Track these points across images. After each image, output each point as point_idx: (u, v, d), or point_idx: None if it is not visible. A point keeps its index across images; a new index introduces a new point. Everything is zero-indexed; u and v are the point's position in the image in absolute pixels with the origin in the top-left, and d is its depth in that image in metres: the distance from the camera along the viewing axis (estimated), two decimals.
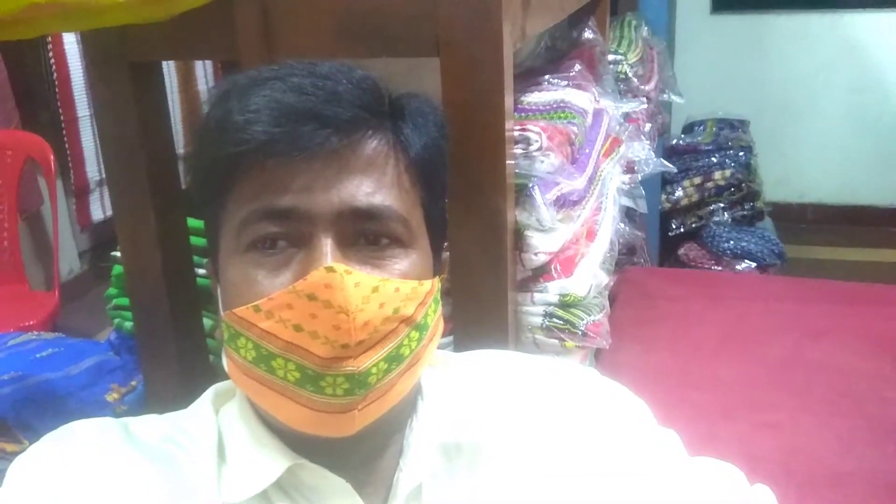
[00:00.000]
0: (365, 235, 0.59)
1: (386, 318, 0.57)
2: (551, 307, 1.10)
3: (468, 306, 0.98)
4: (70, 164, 3.05)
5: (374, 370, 0.57)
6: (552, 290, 1.09)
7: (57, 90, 2.96)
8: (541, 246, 1.05)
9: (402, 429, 0.65)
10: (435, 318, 0.64)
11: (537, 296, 1.10)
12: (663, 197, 3.07)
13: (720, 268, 2.91)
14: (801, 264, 3.18)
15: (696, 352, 1.53)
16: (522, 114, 1.21)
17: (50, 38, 2.87)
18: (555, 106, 1.24)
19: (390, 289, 0.58)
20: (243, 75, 0.62)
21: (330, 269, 0.55)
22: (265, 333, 0.56)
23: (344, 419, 0.57)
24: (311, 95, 0.58)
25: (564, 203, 1.11)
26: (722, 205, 3.10)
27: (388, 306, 0.57)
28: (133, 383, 1.35)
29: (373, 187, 0.59)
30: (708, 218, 3.08)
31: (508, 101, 0.92)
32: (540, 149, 1.08)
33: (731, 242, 2.93)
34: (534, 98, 1.25)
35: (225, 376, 0.64)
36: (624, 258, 1.88)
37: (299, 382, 0.56)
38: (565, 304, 1.10)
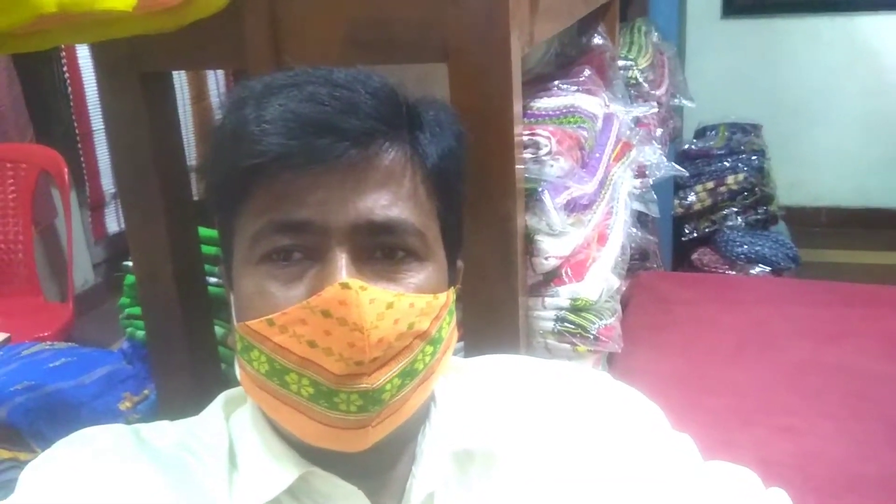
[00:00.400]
0: (381, 249, 0.59)
1: (400, 335, 0.57)
2: (563, 311, 1.09)
3: (479, 311, 0.98)
4: (85, 177, 3.07)
5: (388, 386, 0.56)
6: (563, 295, 1.09)
7: (72, 103, 2.98)
8: (551, 250, 1.05)
9: (415, 436, 0.65)
10: (449, 330, 0.63)
11: (548, 300, 1.09)
12: (676, 202, 3.06)
13: (734, 272, 2.89)
14: (816, 268, 3.16)
15: (710, 356, 1.52)
16: (532, 119, 1.21)
17: (64, 52, 2.89)
18: (564, 111, 1.24)
19: (405, 304, 0.57)
20: (258, 81, 0.62)
21: (345, 286, 0.55)
22: (279, 348, 0.56)
23: (357, 435, 0.57)
24: (328, 106, 0.57)
25: (575, 207, 1.11)
26: (735, 209, 3.09)
27: (402, 322, 0.57)
28: (145, 392, 1.35)
29: (389, 200, 0.58)
30: (721, 222, 3.07)
31: (517, 105, 0.92)
32: (549, 153, 1.08)
33: (745, 247, 2.92)
34: (543, 103, 1.25)
35: (237, 383, 0.64)
36: (637, 263, 1.87)
37: (313, 398, 0.56)
38: (577, 308, 1.10)
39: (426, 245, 0.61)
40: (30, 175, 2.55)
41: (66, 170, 2.47)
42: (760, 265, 2.88)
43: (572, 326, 1.09)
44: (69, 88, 2.96)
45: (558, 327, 1.09)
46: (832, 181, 3.91)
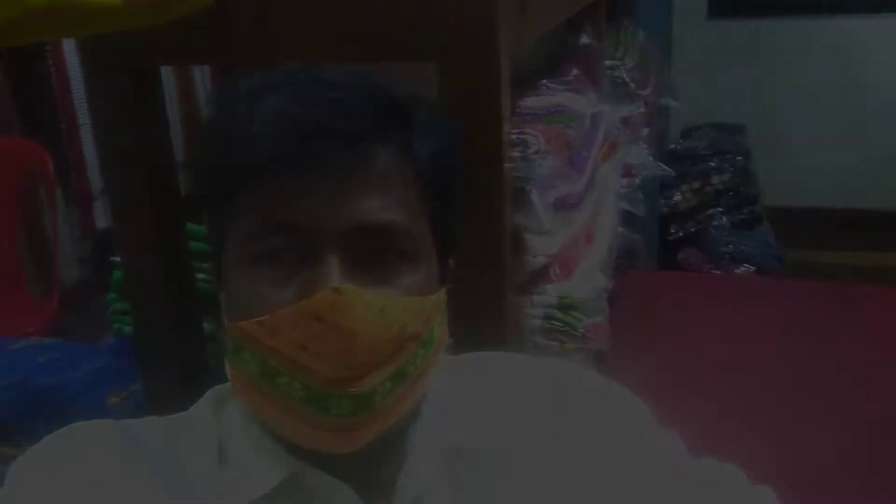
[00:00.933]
0: (372, 251, 0.58)
1: (392, 338, 0.57)
2: (550, 309, 1.10)
3: (468, 309, 0.98)
4: (72, 173, 3.04)
5: (379, 390, 0.56)
6: (551, 293, 1.10)
7: (57, 97, 2.95)
8: (539, 248, 1.05)
9: (406, 433, 0.65)
10: (441, 330, 0.63)
11: (537, 298, 1.10)
12: (662, 202, 3.08)
13: (719, 272, 2.91)
14: (801, 268, 3.18)
15: (695, 354, 1.53)
16: (520, 117, 1.21)
17: (49, 46, 2.86)
18: (552, 110, 1.24)
19: (397, 308, 0.57)
20: (249, 78, 0.61)
21: (336, 291, 0.54)
22: (270, 350, 0.56)
23: (348, 437, 0.57)
24: (320, 107, 0.57)
25: (562, 205, 1.11)
26: (721, 209, 3.11)
27: (394, 326, 0.57)
28: (133, 388, 1.34)
29: (381, 203, 0.58)
30: (707, 222, 3.08)
31: (506, 104, 0.92)
32: (538, 152, 1.08)
33: (731, 247, 2.94)
34: (531, 102, 1.26)
35: (225, 380, 0.64)
36: (624, 262, 1.88)
37: (304, 401, 0.56)
38: (564, 306, 1.10)
39: (418, 247, 0.60)
40: (14, 170, 2.53)
41: (50, 165, 2.45)
42: (745, 265, 2.91)
43: (560, 324, 1.10)
44: (54, 82, 2.93)
45: (546, 325, 1.09)
46: (816, 182, 3.93)
